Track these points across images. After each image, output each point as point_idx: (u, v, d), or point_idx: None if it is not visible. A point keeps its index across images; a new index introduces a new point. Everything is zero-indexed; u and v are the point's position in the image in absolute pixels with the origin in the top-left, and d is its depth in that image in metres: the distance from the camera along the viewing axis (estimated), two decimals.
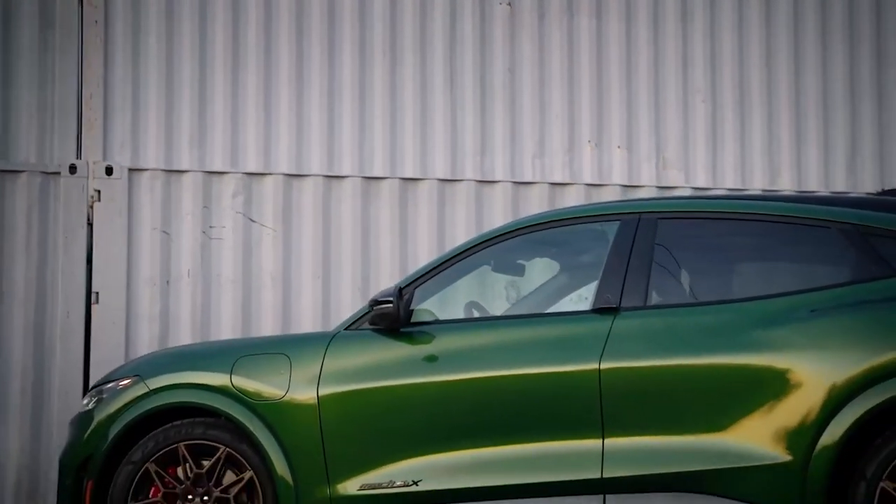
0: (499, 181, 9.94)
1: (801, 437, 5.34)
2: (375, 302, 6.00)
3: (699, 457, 5.49)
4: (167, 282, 9.41)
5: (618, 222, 5.95)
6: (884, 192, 6.41)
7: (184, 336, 9.32)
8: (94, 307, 9.24)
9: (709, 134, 10.76)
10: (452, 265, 6.17)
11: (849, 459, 5.32)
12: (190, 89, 9.92)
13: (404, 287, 6.07)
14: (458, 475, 5.79)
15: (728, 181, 10.68)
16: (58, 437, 8.96)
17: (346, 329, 6.19)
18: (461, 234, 9.72)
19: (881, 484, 5.20)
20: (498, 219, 9.77)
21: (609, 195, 9.97)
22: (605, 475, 5.59)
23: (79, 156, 9.75)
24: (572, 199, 9.90)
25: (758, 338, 5.49)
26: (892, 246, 5.55)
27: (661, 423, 5.57)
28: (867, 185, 10.80)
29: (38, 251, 9.23)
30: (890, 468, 5.20)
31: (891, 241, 5.56)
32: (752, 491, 5.41)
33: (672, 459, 5.53)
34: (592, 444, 5.63)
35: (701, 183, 10.60)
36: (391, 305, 5.94)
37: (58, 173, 9.34)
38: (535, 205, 9.85)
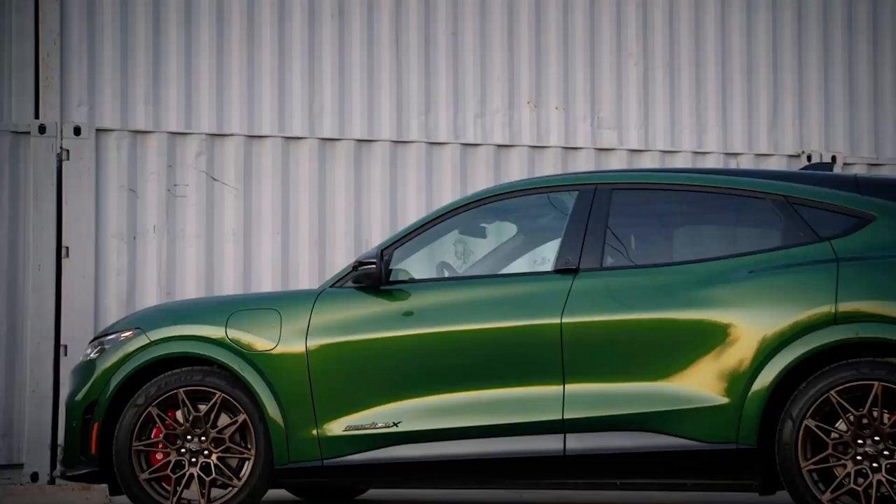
0: (447, 143, 10.70)
1: (737, 382, 6.21)
2: (360, 263, 6.76)
3: (648, 400, 6.34)
4: (134, 237, 10.07)
5: (577, 192, 6.77)
6: (809, 167, 7.28)
7: (150, 289, 10.00)
8: (64, 261, 9.87)
9: (641, 96, 11.61)
10: (427, 229, 6.95)
11: (777, 401, 6.18)
12: (145, 49, 10.57)
13: (384, 249, 6.84)
14: (433, 417, 6.59)
15: (659, 141, 11.55)
16: (31, 382, 9.66)
17: (331, 287, 6.95)
18: (412, 194, 10.49)
19: (804, 422, 6.08)
20: (447, 180, 10.55)
21: (550, 156, 10.77)
22: (565, 417, 6.43)
23: (37, 114, 10.36)
24: (515, 160, 10.68)
25: (700, 296, 6.34)
26: (817, 214, 6.42)
27: (615, 370, 6.40)
28: (787, 145, 11.74)
29: (9, 207, 9.82)
30: (812, 408, 6.07)
31: (815, 210, 6.42)
32: (694, 429, 6.27)
33: (625, 402, 6.37)
34: (554, 389, 6.45)
35: (634, 143, 11.46)
36: (374, 266, 6.71)
37: (27, 133, 9.91)
38: (482, 166, 10.61)
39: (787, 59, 11.83)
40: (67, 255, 9.87)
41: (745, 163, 10.96)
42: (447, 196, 10.45)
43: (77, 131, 9.97)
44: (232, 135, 10.30)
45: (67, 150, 9.94)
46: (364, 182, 10.46)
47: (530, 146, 10.82)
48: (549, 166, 10.69)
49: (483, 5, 11.29)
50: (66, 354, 9.69)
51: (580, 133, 11.41)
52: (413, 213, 10.39)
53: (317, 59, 10.89)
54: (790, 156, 11.12)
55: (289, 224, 10.30)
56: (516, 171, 10.62)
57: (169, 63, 10.62)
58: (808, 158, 10.91)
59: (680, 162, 10.91)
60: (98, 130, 10.07)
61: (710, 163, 10.92)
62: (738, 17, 11.77)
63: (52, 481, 9.56)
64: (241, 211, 10.24)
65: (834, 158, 10.97)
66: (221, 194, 10.23)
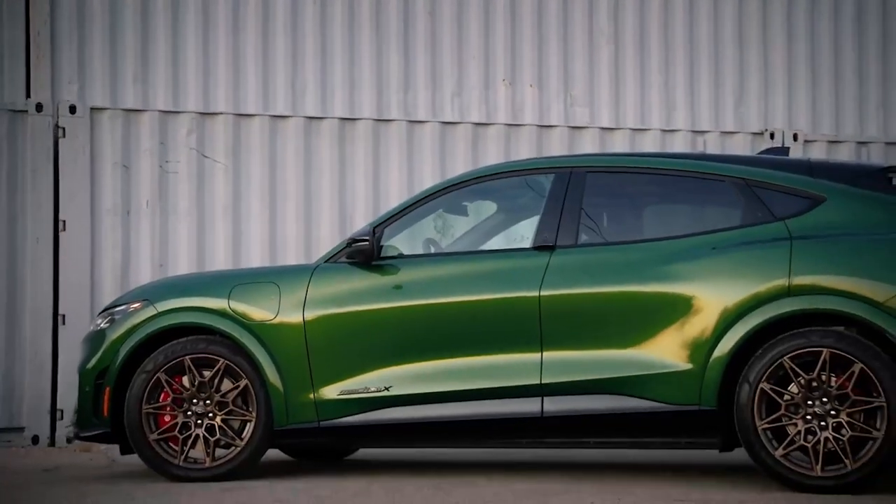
0: (426, 121, 11.32)
1: (700, 349, 6.89)
2: (353, 240, 7.41)
3: (619, 366, 7.01)
4: (128, 212, 10.68)
5: (553, 175, 7.43)
6: (766, 151, 7.97)
7: (143, 261, 10.62)
8: (61, 234, 10.47)
9: (612, 74, 12.25)
10: (416, 209, 7.61)
11: (736, 367, 6.86)
12: (133, 29, 11.15)
13: (376, 227, 7.49)
14: (421, 382, 7.25)
15: (629, 118, 12.22)
16: (31, 351, 10.26)
17: (325, 262, 7.59)
18: (394, 170, 11.13)
19: (760, 385, 6.77)
20: (427, 157, 11.19)
21: (525, 134, 11.42)
22: (543, 381, 7.10)
23: (28, 92, 10.92)
24: (492, 138, 11.33)
25: (667, 270, 7.01)
26: (773, 196, 7.09)
27: (588, 339, 7.06)
28: (752, 123, 12.43)
29: (7, 183, 10.40)
30: (767, 373, 6.74)
31: (772, 192, 7.10)
32: (660, 393, 6.95)
33: (597, 368, 7.04)
34: (533, 356, 7.12)
35: (605, 120, 12.12)
36: (367, 243, 7.36)
37: (25, 111, 10.48)
38: (460, 144, 11.25)
39: (752, 39, 12.49)
40: (64, 229, 10.46)
41: (711, 140, 11.64)
42: (427, 172, 11.11)
43: (73, 110, 10.54)
44: (220, 113, 10.90)
45: (63, 128, 10.51)
46: (348, 159, 11.08)
47: (506, 125, 11.45)
48: (524, 144, 11.34)
49: None
50: (63, 324, 10.31)
51: (553, 111, 12.05)
52: (395, 189, 11.04)
53: (300, 39, 11.49)
54: (754, 133, 11.79)
55: (276, 199, 10.91)
56: (493, 148, 11.28)
57: (157, 43, 11.21)
58: (771, 136, 11.61)
59: (649, 140, 11.57)
60: (92, 109, 10.64)
61: (679, 140, 11.60)
62: None
63: (52, 444, 10.19)
64: (230, 186, 10.84)
65: (795, 136, 11.66)
66: (211, 171, 10.83)
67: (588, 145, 11.41)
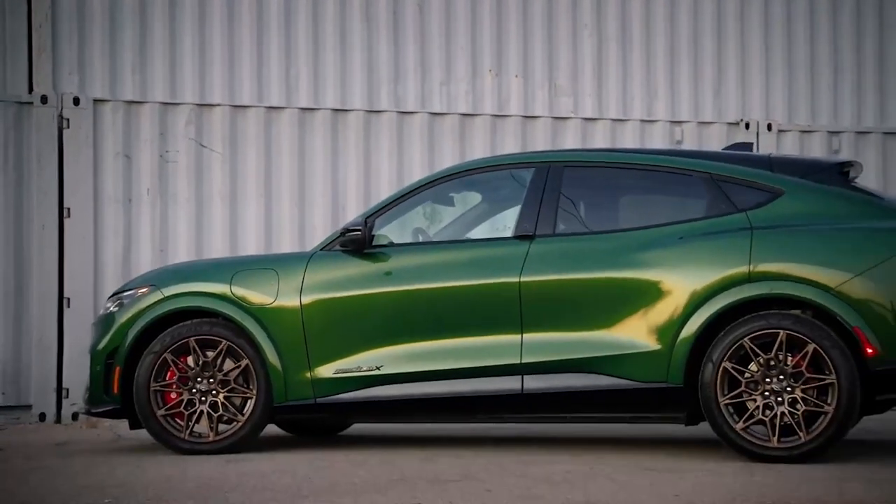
0: (416, 112, 11.98)
1: (667, 331, 7.57)
2: (346, 230, 8.09)
3: (594, 346, 7.69)
4: (129, 200, 11.33)
5: (534, 169, 8.12)
6: (732, 147, 8.66)
7: (144, 247, 11.27)
8: (66, 221, 11.12)
9: (595, 65, 12.93)
10: (405, 200, 8.29)
11: (700, 347, 7.54)
12: (132, 22, 11.80)
13: (368, 217, 8.17)
14: (411, 362, 7.93)
15: (612, 109, 12.89)
16: (37, 332, 10.91)
17: (321, 250, 8.27)
18: (384, 159, 11.79)
19: (723, 364, 7.45)
20: (416, 146, 11.85)
21: (510, 125, 12.08)
22: (523, 361, 7.78)
23: (30, 84, 11.56)
24: (479, 128, 11.99)
25: (638, 258, 7.70)
26: (736, 189, 7.78)
27: (566, 321, 7.74)
28: (730, 113, 13.12)
29: (14, 172, 11.04)
30: (729, 353, 7.42)
31: (735, 185, 7.78)
32: (632, 371, 7.63)
33: (573, 349, 7.72)
34: (514, 338, 7.80)
35: (588, 110, 12.79)
36: (360, 232, 8.04)
37: (30, 103, 11.12)
38: (448, 134, 11.89)
39: (730, 32, 13.16)
40: (69, 216, 11.10)
41: (689, 130, 12.30)
42: (416, 161, 11.79)
43: (76, 101, 11.18)
44: (217, 105, 11.55)
45: (68, 119, 11.14)
46: (340, 148, 11.74)
47: (492, 115, 12.12)
48: (509, 134, 12.01)
49: None
50: (68, 306, 10.97)
51: (538, 100, 12.72)
52: (385, 177, 11.70)
53: (293, 32, 12.15)
54: (730, 123, 12.47)
55: (271, 187, 11.58)
56: (480, 138, 11.95)
57: (155, 36, 11.87)
58: (747, 126, 12.29)
59: (629, 129, 12.24)
60: (95, 101, 11.28)
61: (658, 130, 12.26)
62: None
63: (58, 420, 10.86)
64: (227, 175, 11.50)
65: (770, 126, 12.34)
66: (209, 160, 11.48)
67: (570, 135, 12.07)
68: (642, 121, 12.42)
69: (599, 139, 12.10)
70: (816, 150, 12.37)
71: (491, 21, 12.68)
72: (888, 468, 7.20)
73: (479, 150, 11.74)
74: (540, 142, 11.97)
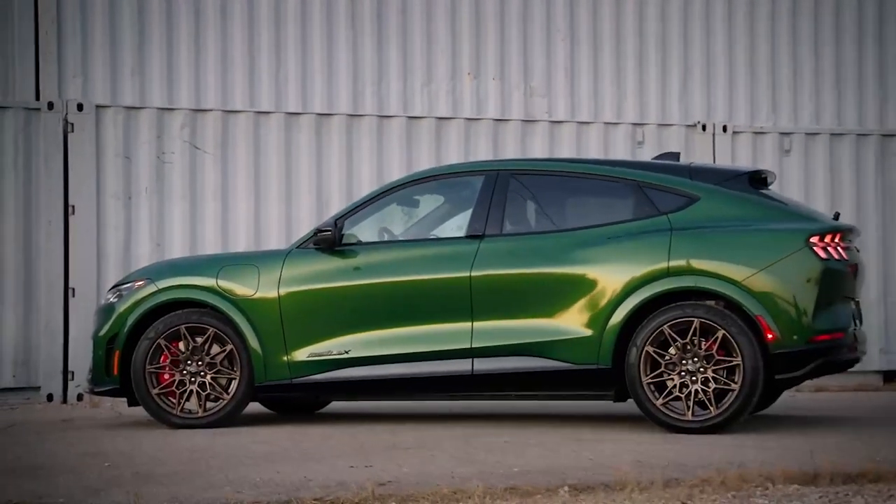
0: (395, 116, 13.32)
1: (598, 319, 8.90)
2: (318, 230, 9.45)
3: (535, 333, 9.02)
4: (129, 197, 12.68)
5: (484, 176, 9.47)
6: (659, 157, 10.00)
7: (143, 241, 12.62)
8: (71, 217, 12.47)
9: (567, 68, 14.25)
10: (372, 203, 9.63)
11: (627, 333, 8.88)
12: (131, 32, 13.16)
13: (338, 219, 9.52)
14: (375, 346, 9.27)
15: (584, 110, 14.22)
16: (45, 319, 12.27)
17: (297, 248, 9.62)
18: (365, 160, 13.13)
19: (645, 348, 8.79)
20: (394, 148, 13.16)
21: (483, 127, 13.39)
22: (473, 345, 9.12)
23: (37, 89, 12.91)
24: (454, 131, 13.29)
25: (574, 255, 9.03)
26: (659, 195, 9.09)
27: (510, 311, 9.07)
28: (696, 113, 14.45)
29: (23, 172, 12.39)
30: (651, 338, 8.74)
31: (658, 191, 9.11)
32: (568, 354, 8.95)
33: (518, 335, 9.05)
34: (465, 325, 9.14)
35: (561, 111, 14.11)
36: (330, 232, 9.40)
37: (38, 109, 12.48)
38: (425, 136, 13.20)
39: (696, 32, 14.47)
40: (74, 213, 12.46)
41: (650, 132, 13.62)
42: (395, 161, 13.12)
43: (80, 107, 12.53)
44: (210, 110, 12.91)
45: (72, 124, 12.49)
46: (324, 149, 13.07)
47: (467, 119, 13.46)
48: (483, 136, 13.31)
49: None
50: (73, 296, 12.34)
51: (514, 101, 14.04)
52: (366, 177, 13.04)
53: (282, 42, 13.51)
54: (688, 126, 13.78)
55: (260, 186, 12.92)
56: (455, 140, 13.26)
57: (152, 46, 13.25)
58: (703, 128, 13.60)
59: (594, 132, 13.54)
60: (97, 107, 12.63)
61: (621, 132, 13.56)
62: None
63: (64, 401, 12.24)
64: (219, 175, 12.84)
65: (725, 128, 13.66)
66: (202, 161, 12.83)
67: (539, 138, 13.38)
68: (606, 123, 13.69)
69: (567, 141, 13.40)
70: (769, 150, 13.69)
71: (469, 26, 14.02)
72: (779, 438, 8.55)
73: (454, 152, 13.08)
74: (512, 143, 13.27)
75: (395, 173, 12.68)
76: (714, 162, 13.43)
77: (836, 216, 9.46)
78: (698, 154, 13.46)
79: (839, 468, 6.88)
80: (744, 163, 13.40)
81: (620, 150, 13.38)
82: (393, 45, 13.80)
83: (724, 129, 13.67)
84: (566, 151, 13.28)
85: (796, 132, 13.88)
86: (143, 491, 6.78)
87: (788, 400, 10.95)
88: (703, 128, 13.65)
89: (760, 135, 13.82)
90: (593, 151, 13.35)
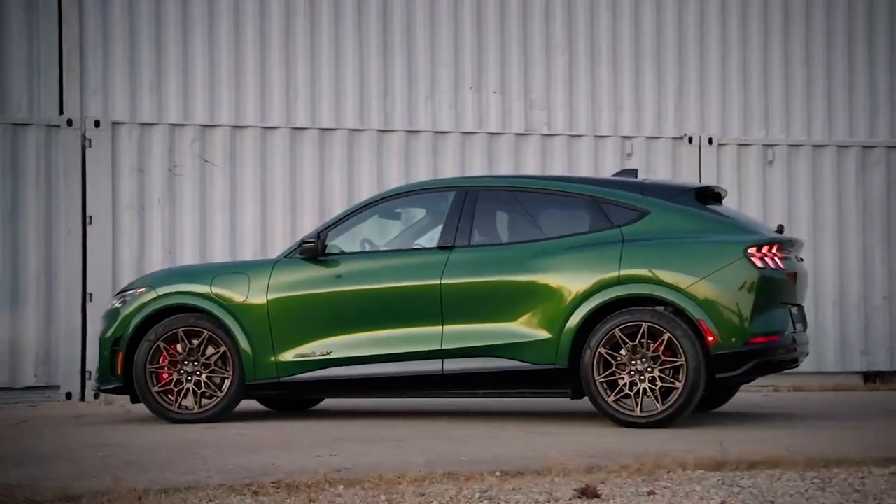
0: (395, 131, 14.33)
1: (556, 323, 9.85)
2: (303, 241, 10.50)
3: (499, 335, 9.99)
4: (143, 208, 13.78)
5: (454, 192, 10.48)
6: (618, 174, 10.97)
7: (156, 249, 13.69)
8: (88, 227, 13.59)
9: (566, 81, 15.18)
10: (354, 216, 10.67)
11: (582, 336, 9.83)
12: (148, 54, 14.23)
13: (321, 231, 10.56)
14: (355, 348, 10.28)
15: (581, 122, 15.16)
16: (64, 322, 13.40)
17: (284, 258, 10.66)
18: (366, 171, 14.15)
19: (598, 349, 9.74)
20: (394, 160, 14.17)
21: (480, 140, 14.38)
22: (443, 347, 10.11)
23: (61, 106, 14.00)
24: (450, 144, 14.28)
25: (535, 265, 10.00)
26: (613, 209, 10.04)
27: (477, 316, 10.05)
28: (692, 125, 15.28)
29: (45, 184, 13.52)
30: (603, 340, 9.68)
31: (611, 206, 10.05)
32: (529, 355, 9.91)
33: (484, 337, 10.03)
34: (436, 329, 10.13)
35: (560, 123, 15.03)
36: (313, 243, 10.45)
37: (58, 126, 13.61)
38: (423, 148, 14.21)
39: (690, 45, 15.33)
40: (91, 223, 13.59)
41: (638, 145, 14.57)
42: (394, 173, 14.14)
43: (97, 124, 13.66)
44: (220, 126, 14.00)
45: (90, 139, 13.62)
46: (327, 162, 14.12)
47: (463, 132, 14.45)
48: (478, 149, 14.31)
49: (433, 3, 14.86)
50: (91, 301, 13.46)
51: (515, 113, 15.00)
52: (366, 188, 14.05)
53: (292, 61, 14.53)
54: (674, 138, 14.71)
55: (266, 196, 13.98)
56: (451, 152, 14.26)
57: (168, 67, 14.25)
58: (690, 140, 14.55)
59: (584, 143, 14.51)
60: (114, 123, 13.75)
61: (609, 145, 14.52)
62: (650, 10, 15.19)
63: (82, 398, 13.37)
64: (227, 186, 13.92)
65: (710, 140, 14.59)
66: (212, 173, 13.91)
67: (531, 150, 14.36)
68: (597, 136, 14.63)
69: (559, 153, 14.36)
70: (752, 161, 14.61)
71: (471, 42, 14.97)
72: (713, 431, 9.49)
73: (450, 164, 14.09)
74: (505, 156, 14.25)
75: (394, 185, 13.63)
76: (700, 173, 14.37)
77: (780, 229, 10.42)
78: (685, 166, 14.40)
79: (745, 456, 7.86)
80: (728, 173, 14.35)
81: (610, 162, 14.33)
82: (398, 60, 14.74)
83: (710, 141, 14.59)
84: (558, 163, 14.27)
85: (779, 144, 14.77)
86: (127, 476, 7.80)
87: (755, 398, 11.90)
88: (690, 140, 14.57)
89: (745, 146, 14.73)
90: (584, 163, 14.33)
